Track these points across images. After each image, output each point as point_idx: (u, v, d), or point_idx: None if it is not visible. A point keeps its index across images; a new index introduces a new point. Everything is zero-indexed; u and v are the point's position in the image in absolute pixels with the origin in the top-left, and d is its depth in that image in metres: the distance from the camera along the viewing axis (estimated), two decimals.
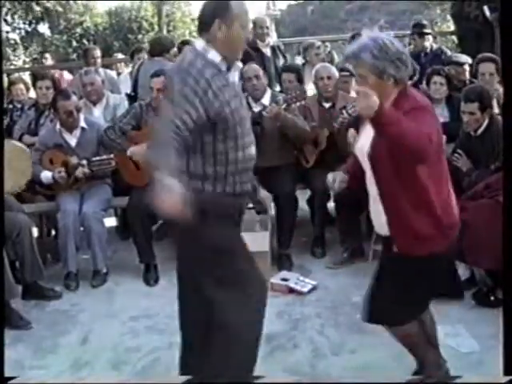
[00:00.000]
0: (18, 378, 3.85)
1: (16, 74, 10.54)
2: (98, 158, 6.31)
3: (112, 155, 6.29)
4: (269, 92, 6.62)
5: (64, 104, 6.39)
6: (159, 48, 8.08)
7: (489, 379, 3.83)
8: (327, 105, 6.73)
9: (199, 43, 3.58)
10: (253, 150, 3.70)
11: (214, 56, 3.53)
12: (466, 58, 7.43)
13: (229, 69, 3.61)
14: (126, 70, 9.72)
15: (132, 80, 8.38)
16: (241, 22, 3.57)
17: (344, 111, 6.33)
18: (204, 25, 3.57)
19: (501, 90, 6.50)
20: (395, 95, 3.51)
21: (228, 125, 3.49)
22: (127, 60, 10.84)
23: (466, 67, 7.31)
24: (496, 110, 6.04)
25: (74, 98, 6.52)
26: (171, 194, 3.02)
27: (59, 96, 6.51)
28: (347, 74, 7.05)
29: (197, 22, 3.66)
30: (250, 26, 3.65)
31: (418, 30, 8.94)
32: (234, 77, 3.69)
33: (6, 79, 9.92)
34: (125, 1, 24.68)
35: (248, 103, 6.40)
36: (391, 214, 3.59)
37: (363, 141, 3.68)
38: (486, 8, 8.49)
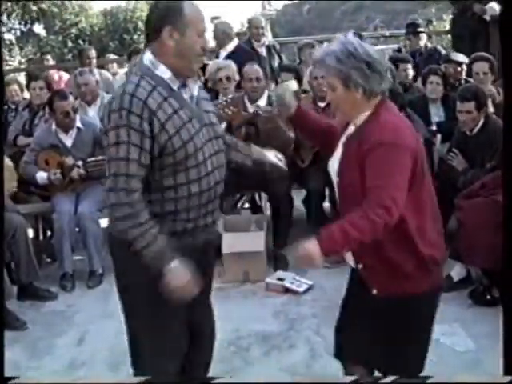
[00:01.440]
0: (18, 378, 3.83)
1: (11, 75, 10.51)
2: (93, 158, 6.30)
3: None
4: (266, 93, 6.60)
5: (61, 104, 6.38)
6: None
7: (489, 379, 3.82)
8: (322, 104, 6.72)
9: (146, 56, 3.11)
10: (214, 177, 3.23)
11: (164, 72, 3.08)
12: (463, 57, 7.44)
13: (184, 85, 3.15)
14: (121, 71, 9.72)
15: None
16: (197, 28, 3.06)
17: None
18: (152, 32, 3.08)
19: (494, 89, 6.52)
20: (372, 110, 3.11)
21: (176, 160, 3.07)
22: (121, 61, 10.86)
23: (463, 66, 7.32)
24: (491, 109, 6.05)
25: (71, 98, 6.51)
26: (178, 278, 2.96)
27: (56, 96, 6.49)
28: None
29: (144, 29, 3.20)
30: (207, 33, 3.12)
31: (413, 29, 8.97)
32: (193, 90, 3.21)
33: None
34: (120, 1, 24.70)
35: (243, 103, 6.40)
36: (365, 248, 2.99)
37: (331, 162, 3.29)
38: (494, 4, 8.49)
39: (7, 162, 6.21)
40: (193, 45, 3.06)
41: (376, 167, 2.92)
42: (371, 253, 3.08)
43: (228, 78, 6.76)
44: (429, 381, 3.17)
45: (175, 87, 3.10)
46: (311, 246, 2.80)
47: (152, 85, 3.03)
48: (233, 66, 6.90)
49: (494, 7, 8.47)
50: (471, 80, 6.95)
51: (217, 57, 8.35)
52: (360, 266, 3.19)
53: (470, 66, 7.12)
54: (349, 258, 3.28)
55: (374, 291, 3.18)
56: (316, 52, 3.53)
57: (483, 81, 6.71)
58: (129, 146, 2.97)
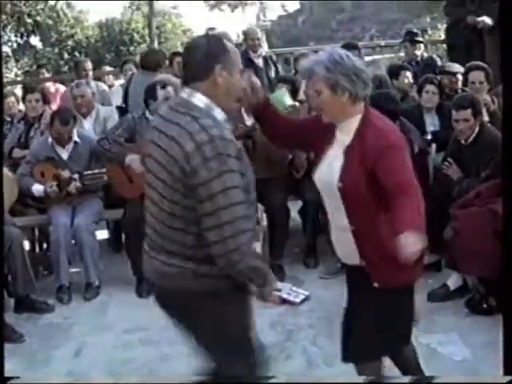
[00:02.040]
0: (18, 379, 3.83)
1: (8, 87, 10.52)
2: (89, 172, 6.29)
3: (104, 169, 6.28)
4: None
5: (59, 127, 6.37)
6: (151, 61, 8.09)
7: (489, 379, 3.83)
8: None
9: (198, 98, 3.01)
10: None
11: (219, 113, 3.04)
12: (458, 68, 7.45)
13: None
14: (117, 83, 9.74)
15: (123, 92, 8.39)
16: (239, 67, 3.09)
17: None
18: (201, 71, 3.01)
19: (488, 98, 6.54)
20: (361, 114, 3.35)
21: None
22: (116, 72, 10.87)
23: (459, 76, 7.33)
24: (485, 117, 6.07)
25: (71, 123, 6.45)
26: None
27: (57, 117, 6.44)
28: None
29: (185, 69, 3.09)
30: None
31: (410, 38, 8.99)
32: None
33: None
34: (115, 13, 24.74)
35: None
36: (367, 246, 3.37)
37: (325, 169, 3.44)
38: (486, 17, 8.53)
39: (8, 173, 6.22)
40: (238, 84, 3.10)
41: (391, 167, 3.24)
42: (373, 249, 3.35)
43: None
44: (434, 381, 3.21)
45: (228, 128, 3.06)
46: (409, 236, 2.97)
47: (220, 126, 2.97)
48: None
49: (486, 20, 8.50)
50: (467, 90, 6.96)
51: None
52: (363, 263, 3.39)
53: (465, 75, 7.13)
54: (351, 257, 3.51)
55: (376, 284, 3.41)
56: (303, 62, 3.60)
57: (479, 90, 6.72)
58: (236, 189, 2.93)
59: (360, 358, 3.63)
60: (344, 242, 3.48)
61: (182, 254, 3.05)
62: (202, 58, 3.00)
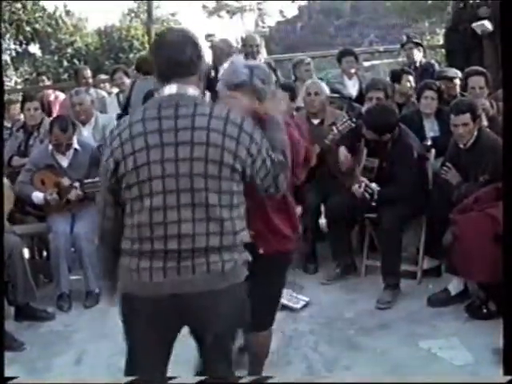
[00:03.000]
0: (18, 378, 3.83)
1: (11, 95, 10.54)
2: (90, 180, 6.27)
3: None
4: None
5: (58, 134, 6.38)
6: (146, 67, 8.12)
7: (489, 379, 3.83)
8: (316, 121, 6.74)
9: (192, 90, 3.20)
10: None
11: None
12: (455, 73, 7.45)
13: None
14: (115, 90, 9.72)
15: (124, 99, 8.37)
16: None
17: (334, 128, 6.36)
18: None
19: (488, 103, 6.54)
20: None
21: None
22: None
23: (457, 81, 7.33)
24: (484, 122, 6.07)
25: (70, 130, 6.47)
26: None
27: (56, 124, 6.45)
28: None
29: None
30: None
31: (409, 41, 9.02)
32: None
33: None
34: (114, 20, 24.74)
35: None
36: (254, 221, 3.45)
37: None
38: (486, 21, 8.54)
39: (5, 181, 6.19)
40: None
41: None
42: (260, 221, 3.65)
43: None
44: (431, 380, 3.22)
45: None
46: None
47: None
48: None
49: (486, 24, 8.51)
50: (465, 94, 6.96)
51: (216, 73, 8.34)
52: (252, 233, 3.35)
53: (465, 80, 7.13)
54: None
55: (261, 251, 3.65)
56: (232, 74, 3.69)
57: (479, 95, 6.72)
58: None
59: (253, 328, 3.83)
60: None
61: (232, 247, 3.09)
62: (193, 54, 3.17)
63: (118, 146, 3.10)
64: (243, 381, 3.40)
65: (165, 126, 3.04)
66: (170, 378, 3.35)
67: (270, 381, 3.40)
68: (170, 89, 3.12)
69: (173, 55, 3.13)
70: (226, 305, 3.12)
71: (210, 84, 7.49)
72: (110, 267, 3.31)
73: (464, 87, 7.16)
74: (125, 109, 8.16)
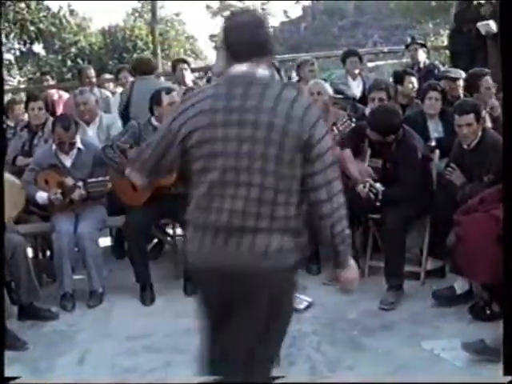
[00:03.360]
0: (18, 379, 3.84)
1: (16, 95, 10.54)
2: (93, 179, 6.26)
3: (108, 177, 6.27)
4: None
5: (61, 133, 6.38)
6: (142, 68, 8.18)
7: (489, 379, 3.84)
8: None
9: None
10: None
11: None
12: (459, 73, 7.46)
13: None
14: (119, 90, 9.72)
15: (125, 99, 8.38)
16: None
17: (335, 127, 6.37)
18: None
19: (496, 103, 6.54)
20: None
21: None
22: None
23: (459, 82, 7.33)
24: (489, 123, 6.07)
25: (73, 129, 6.46)
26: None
27: (58, 122, 6.46)
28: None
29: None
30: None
31: (414, 42, 9.03)
32: None
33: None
34: (118, 20, 24.75)
35: None
36: None
37: None
38: (491, 21, 8.55)
39: (15, 180, 6.18)
40: None
41: None
42: None
43: None
44: (431, 380, 3.22)
45: None
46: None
47: None
48: None
49: (491, 25, 8.51)
50: (467, 95, 6.96)
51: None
52: None
53: (472, 81, 7.13)
54: None
55: None
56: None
57: (491, 95, 6.77)
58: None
59: None
60: None
61: (282, 230, 3.09)
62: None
63: (186, 120, 3.13)
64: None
65: (232, 105, 3.06)
66: None
67: (277, 381, 3.41)
68: (241, 67, 3.13)
69: (252, 35, 3.15)
70: (269, 285, 3.12)
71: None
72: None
73: (469, 88, 7.16)
74: (125, 108, 8.16)
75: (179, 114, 3.17)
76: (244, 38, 3.15)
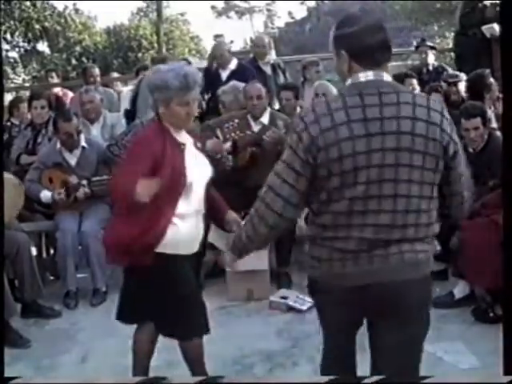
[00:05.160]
0: (18, 379, 3.84)
1: (20, 94, 10.56)
2: (98, 178, 6.28)
3: (112, 175, 6.27)
4: (268, 111, 6.60)
5: (64, 126, 6.39)
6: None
7: (489, 379, 3.83)
8: None
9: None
10: None
11: None
12: (460, 76, 7.46)
13: None
14: (125, 89, 9.74)
15: (132, 95, 8.38)
16: None
17: None
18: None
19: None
20: None
21: None
22: (125, 78, 10.88)
23: (460, 85, 7.33)
24: (494, 125, 6.08)
25: (75, 120, 6.50)
26: None
27: (60, 117, 6.50)
28: None
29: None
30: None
31: (424, 44, 9.04)
32: None
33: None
34: (123, 19, 24.78)
35: (247, 122, 6.41)
36: None
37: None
38: (495, 24, 8.56)
39: (13, 179, 6.17)
40: None
41: None
42: None
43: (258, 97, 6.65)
44: (428, 380, 3.19)
45: None
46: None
47: None
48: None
49: (495, 28, 8.52)
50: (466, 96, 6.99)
51: (217, 76, 8.36)
52: None
53: (481, 81, 7.14)
54: None
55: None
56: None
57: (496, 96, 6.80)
58: None
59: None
60: None
61: (424, 238, 3.03)
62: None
63: (317, 135, 2.92)
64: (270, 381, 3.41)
65: (370, 115, 2.90)
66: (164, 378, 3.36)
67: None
68: (368, 74, 3.00)
69: (381, 40, 3.04)
70: (417, 295, 3.06)
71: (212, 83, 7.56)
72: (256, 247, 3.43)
73: (472, 89, 7.16)
74: (133, 105, 8.18)
75: (304, 134, 2.97)
76: (373, 44, 3.01)
